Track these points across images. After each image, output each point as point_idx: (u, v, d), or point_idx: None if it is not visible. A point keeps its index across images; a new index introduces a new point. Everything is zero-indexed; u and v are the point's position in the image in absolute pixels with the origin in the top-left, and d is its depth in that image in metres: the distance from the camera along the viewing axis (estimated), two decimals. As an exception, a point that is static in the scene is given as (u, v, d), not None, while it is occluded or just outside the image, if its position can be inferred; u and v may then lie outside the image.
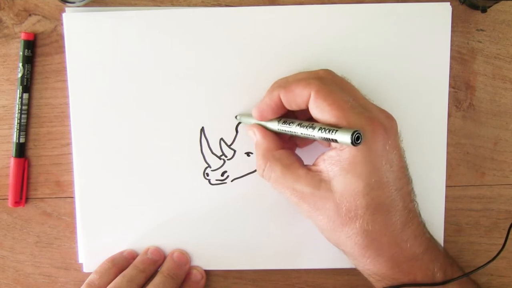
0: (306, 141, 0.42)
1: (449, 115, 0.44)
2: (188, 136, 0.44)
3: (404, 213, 0.37)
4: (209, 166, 0.44)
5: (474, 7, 0.43)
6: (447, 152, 0.44)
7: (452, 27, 0.43)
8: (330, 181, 0.36)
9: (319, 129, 0.35)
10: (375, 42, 0.43)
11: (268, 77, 0.42)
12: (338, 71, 0.41)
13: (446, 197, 0.44)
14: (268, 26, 0.43)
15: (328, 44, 0.43)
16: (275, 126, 0.39)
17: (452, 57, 0.43)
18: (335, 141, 0.34)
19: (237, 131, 0.44)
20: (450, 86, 0.44)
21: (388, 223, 0.37)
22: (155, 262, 0.44)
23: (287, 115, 0.40)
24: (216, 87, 0.43)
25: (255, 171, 0.44)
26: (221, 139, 0.44)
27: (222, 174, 0.44)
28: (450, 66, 0.43)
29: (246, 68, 0.43)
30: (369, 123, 0.35)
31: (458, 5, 0.43)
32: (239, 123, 0.43)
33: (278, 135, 0.40)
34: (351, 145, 0.33)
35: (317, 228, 0.39)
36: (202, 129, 0.44)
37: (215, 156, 0.44)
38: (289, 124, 0.38)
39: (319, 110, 0.36)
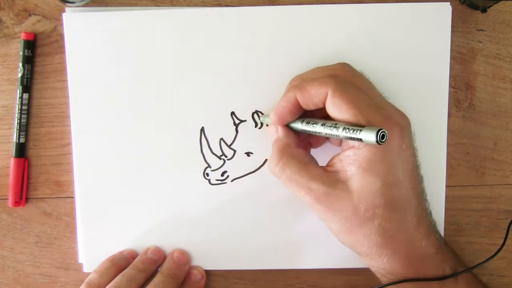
0: (319, 141, 0.42)
1: (449, 115, 0.44)
2: (188, 136, 0.44)
3: (418, 211, 0.37)
4: (209, 166, 0.44)
5: (474, 7, 0.43)
6: (447, 152, 0.44)
7: (452, 27, 0.43)
8: (347, 180, 0.36)
9: (343, 129, 0.35)
10: (375, 42, 0.43)
11: (268, 77, 0.43)
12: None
13: (446, 197, 0.44)
14: (268, 26, 0.43)
15: (328, 44, 0.43)
16: (299, 126, 0.39)
17: (452, 57, 0.43)
18: (360, 140, 0.34)
19: (237, 131, 0.44)
20: (450, 86, 0.44)
21: (404, 221, 0.37)
22: (155, 262, 0.44)
23: (304, 114, 0.40)
24: (216, 87, 0.43)
25: (255, 171, 0.44)
26: (221, 139, 0.44)
27: (222, 174, 0.44)
28: (450, 66, 0.43)
29: (246, 68, 0.43)
30: (386, 122, 0.35)
31: (458, 5, 0.43)
32: (240, 123, 0.43)
33: (297, 134, 0.40)
34: (376, 143, 0.33)
35: (330, 230, 0.38)
36: (202, 129, 0.44)
37: (215, 156, 0.44)
38: (312, 125, 0.38)
39: (337, 109, 0.36)
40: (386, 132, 0.33)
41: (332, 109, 0.36)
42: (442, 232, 0.44)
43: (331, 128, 0.36)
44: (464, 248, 0.45)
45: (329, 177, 0.37)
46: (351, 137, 0.35)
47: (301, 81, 0.39)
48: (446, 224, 0.44)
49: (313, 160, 0.39)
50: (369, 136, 0.33)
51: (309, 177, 0.37)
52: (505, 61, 0.44)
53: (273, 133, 0.40)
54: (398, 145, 0.36)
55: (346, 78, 0.38)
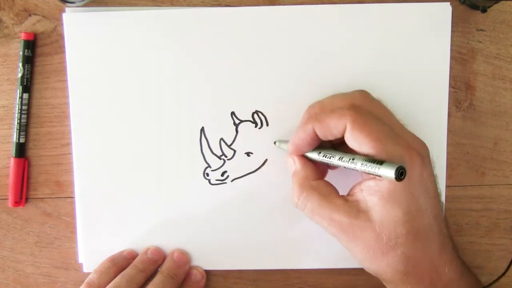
0: None
1: (449, 115, 0.44)
2: (188, 136, 0.44)
3: (441, 238, 0.37)
4: (209, 166, 0.44)
5: (474, 7, 0.43)
6: (447, 152, 0.44)
7: (452, 27, 0.43)
8: (369, 210, 0.36)
9: (361, 164, 0.35)
10: (375, 42, 0.43)
11: (268, 77, 0.43)
12: (338, 71, 0.41)
13: (446, 197, 0.44)
14: (268, 26, 0.43)
15: (328, 44, 0.43)
16: (315, 157, 0.39)
17: (452, 57, 0.43)
18: (379, 176, 0.34)
19: (237, 131, 0.44)
20: (450, 86, 0.44)
21: (427, 249, 0.37)
22: (155, 262, 0.44)
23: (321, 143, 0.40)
24: (216, 87, 0.43)
25: (255, 171, 0.44)
26: (221, 139, 0.44)
27: (222, 174, 0.44)
28: (450, 66, 0.43)
29: (246, 68, 0.43)
30: (406, 152, 0.36)
31: (458, 5, 0.43)
32: (240, 123, 0.43)
33: (314, 162, 0.40)
34: (395, 180, 0.33)
35: (354, 258, 0.38)
36: (202, 129, 0.44)
37: (215, 156, 0.44)
38: (329, 158, 0.38)
39: (356, 141, 0.36)
40: (405, 168, 0.33)
41: (352, 142, 0.36)
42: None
43: (349, 162, 0.36)
44: (464, 248, 0.45)
45: (351, 207, 0.37)
46: (370, 172, 0.35)
47: (320, 111, 0.39)
48: (446, 224, 0.44)
49: (334, 191, 0.39)
50: (388, 172, 0.33)
51: (331, 209, 0.37)
52: (505, 61, 0.44)
53: (291, 165, 0.40)
54: (420, 174, 0.36)
55: (365, 108, 0.38)
